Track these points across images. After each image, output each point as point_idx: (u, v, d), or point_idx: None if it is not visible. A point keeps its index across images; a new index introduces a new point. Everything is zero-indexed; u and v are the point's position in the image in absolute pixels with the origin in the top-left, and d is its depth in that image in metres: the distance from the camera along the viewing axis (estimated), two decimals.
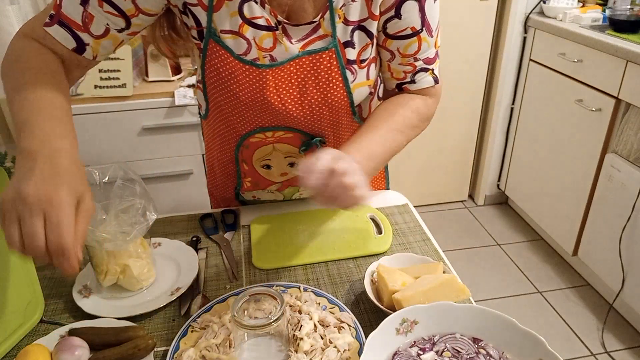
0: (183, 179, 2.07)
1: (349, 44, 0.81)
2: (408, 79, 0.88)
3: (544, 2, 2.41)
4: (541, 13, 2.44)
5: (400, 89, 0.90)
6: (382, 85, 0.99)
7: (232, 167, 1.02)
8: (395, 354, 0.67)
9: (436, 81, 0.89)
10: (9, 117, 1.80)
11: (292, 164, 0.97)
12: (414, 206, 1.10)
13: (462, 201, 3.00)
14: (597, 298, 2.22)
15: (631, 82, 1.85)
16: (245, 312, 0.69)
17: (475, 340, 0.68)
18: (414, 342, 0.69)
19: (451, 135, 2.76)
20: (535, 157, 2.52)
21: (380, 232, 0.99)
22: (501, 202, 2.97)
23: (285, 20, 0.79)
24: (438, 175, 2.87)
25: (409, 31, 0.81)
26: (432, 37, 0.83)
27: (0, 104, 1.79)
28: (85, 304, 0.81)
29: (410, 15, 0.80)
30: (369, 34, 0.82)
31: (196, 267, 0.89)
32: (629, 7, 2.16)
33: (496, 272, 2.41)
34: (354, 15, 0.79)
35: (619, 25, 2.05)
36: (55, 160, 0.61)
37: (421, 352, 0.67)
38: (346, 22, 0.80)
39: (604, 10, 2.25)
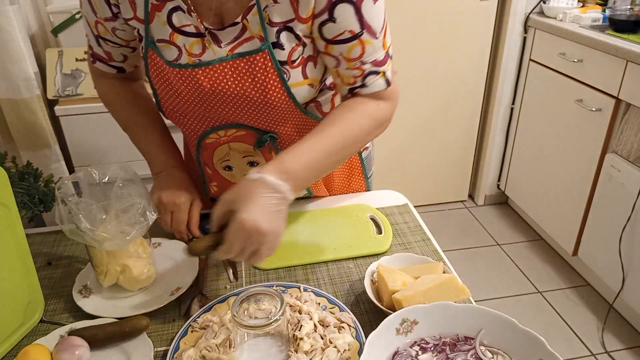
0: None
1: (276, 45, 0.80)
2: (359, 83, 0.84)
3: (544, 2, 2.41)
4: (541, 13, 2.44)
5: (353, 93, 0.86)
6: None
7: (198, 171, 1.05)
8: (395, 354, 0.67)
9: (388, 83, 0.85)
10: (9, 117, 1.80)
11: (251, 163, 0.97)
12: (414, 206, 1.10)
13: (462, 201, 3.00)
14: (597, 298, 2.22)
15: (631, 82, 1.85)
16: (245, 312, 0.69)
17: (467, 339, 0.69)
18: (415, 342, 0.69)
19: (451, 135, 2.76)
20: (535, 157, 2.52)
21: (380, 232, 0.99)
22: (501, 202, 2.96)
23: (210, 26, 0.80)
24: (438, 175, 2.87)
25: (348, 34, 0.78)
26: (377, 38, 0.80)
27: (0, 104, 1.78)
28: (85, 304, 0.81)
29: (345, 18, 0.77)
30: (297, 36, 0.81)
31: (196, 267, 0.89)
32: (629, 7, 2.16)
33: (496, 272, 2.41)
34: (278, 16, 0.79)
35: (619, 25, 2.05)
36: (175, 175, 0.96)
37: (421, 352, 0.67)
38: (270, 23, 0.79)
39: (604, 10, 2.25)
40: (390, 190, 1.17)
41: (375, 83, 0.84)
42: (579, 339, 2.02)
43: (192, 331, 0.75)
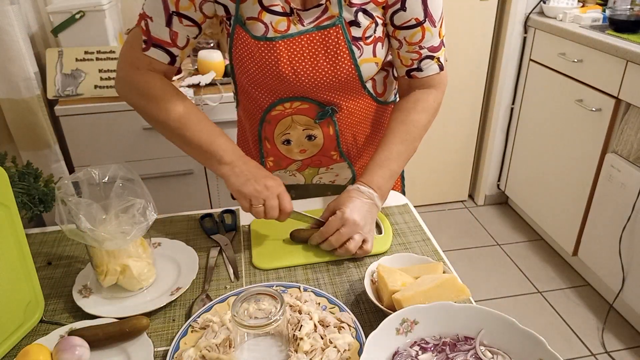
0: (183, 179, 2.07)
1: (353, 23, 0.91)
2: (415, 66, 0.98)
3: (544, 2, 2.41)
4: (541, 13, 2.44)
5: (409, 75, 1.00)
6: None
7: (256, 148, 1.12)
8: (395, 354, 0.67)
9: (441, 68, 0.99)
10: (9, 117, 1.80)
11: (309, 137, 1.05)
12: (414, 206, 1.10)
13: (462, 201, 3.00)
14: (597, 298, 2.22)
15: (631, 82, 1.85)
16: (246, 312, 0.69)
17: (467, 339, 0.69)
18: (415, 342, 0.69)
19: (451, 135, 2.76)
20: (535, 157, 2.52)
21: (380, 232, 0.99)
22: (501, 202, 2.96)
23: (297, 7, 0.91)
24: (438, 175, 2.87)
25: (413, 22, 0.92)
26: (435, 27, 0.94)
27: (0, 104, 1.78)
28: (85, 304, 0.81)
29: (413, 7, 0.91)
30: (371, 15, 0.92)
31: (196, 267, 0.89)
32: (629, 7, 2.16)
33: (496, 272, 2.41)
34: None
35: (619, 25, 2.05)
36: (249, 163, 0.95)
37: (421, 352, 0.67)
38: (350, 4, 0.91)
39: (604, 10, 2.25)
40: (390, 190, 1.17)
41: (430, 67, 0.98)
42: (579, 339, 2.02)
43: (192, 331, 0.75)
